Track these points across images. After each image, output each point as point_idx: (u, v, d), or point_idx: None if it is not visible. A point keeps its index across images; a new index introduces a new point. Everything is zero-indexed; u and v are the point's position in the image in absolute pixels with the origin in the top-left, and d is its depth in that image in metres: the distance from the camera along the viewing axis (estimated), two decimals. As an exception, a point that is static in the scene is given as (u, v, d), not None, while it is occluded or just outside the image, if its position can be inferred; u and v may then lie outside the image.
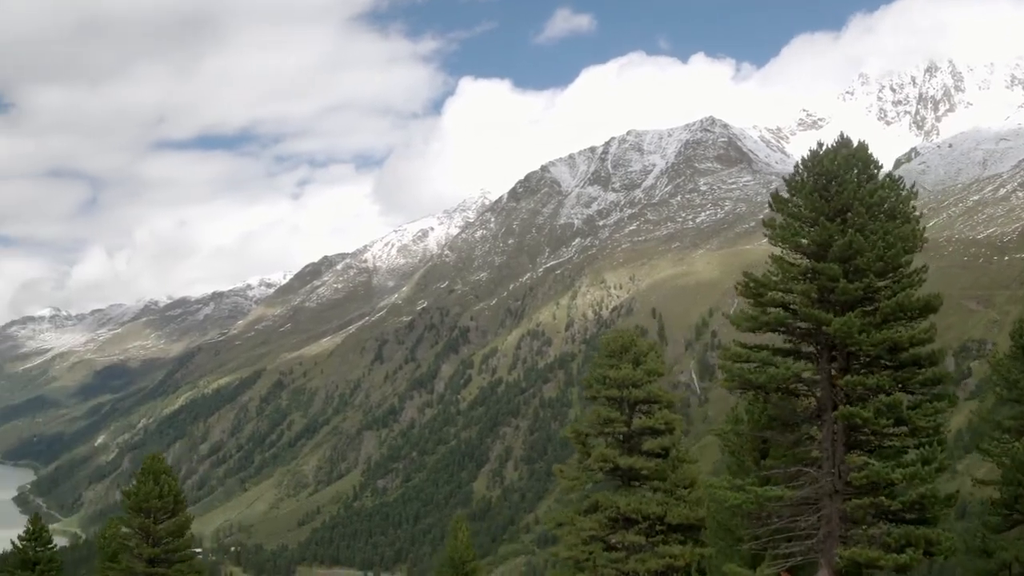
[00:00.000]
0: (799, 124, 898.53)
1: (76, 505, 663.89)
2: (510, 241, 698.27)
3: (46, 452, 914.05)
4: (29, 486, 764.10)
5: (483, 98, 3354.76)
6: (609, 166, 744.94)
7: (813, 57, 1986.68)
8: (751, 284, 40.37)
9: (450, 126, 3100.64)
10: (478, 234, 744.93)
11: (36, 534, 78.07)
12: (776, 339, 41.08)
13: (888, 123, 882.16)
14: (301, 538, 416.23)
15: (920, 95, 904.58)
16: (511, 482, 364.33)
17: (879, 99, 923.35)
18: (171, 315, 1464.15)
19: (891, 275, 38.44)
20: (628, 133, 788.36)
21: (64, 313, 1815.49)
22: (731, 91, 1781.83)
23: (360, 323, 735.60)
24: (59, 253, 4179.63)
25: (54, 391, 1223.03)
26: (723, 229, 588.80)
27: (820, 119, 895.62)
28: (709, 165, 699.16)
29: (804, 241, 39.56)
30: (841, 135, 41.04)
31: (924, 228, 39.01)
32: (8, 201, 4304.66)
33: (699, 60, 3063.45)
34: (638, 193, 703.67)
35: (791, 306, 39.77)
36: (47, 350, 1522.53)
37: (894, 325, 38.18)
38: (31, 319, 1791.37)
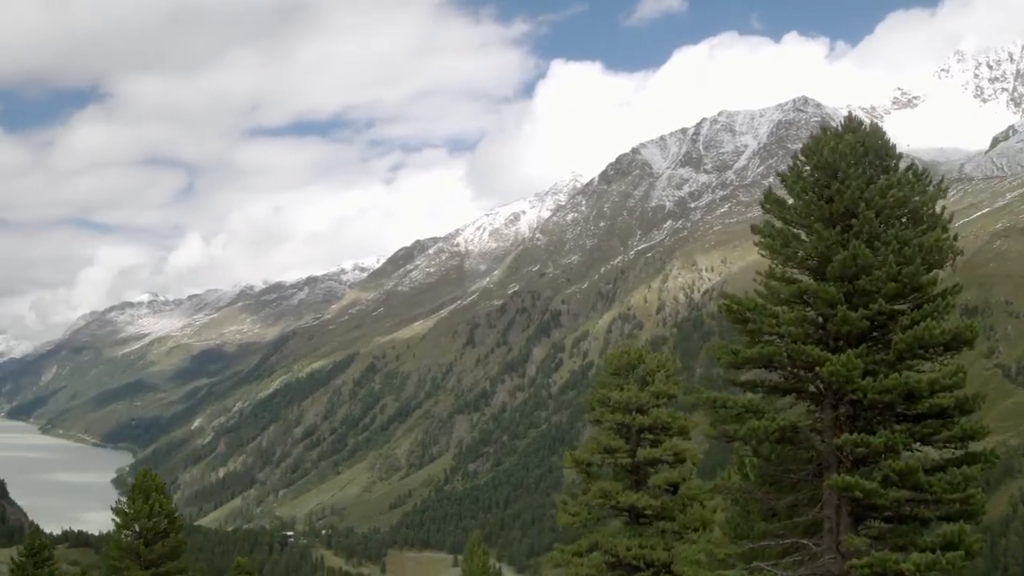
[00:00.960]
0: (894, 103, 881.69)
1: (172, 487, 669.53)
2: (601, 224, 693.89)
3: (144, 435, 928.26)
4: (127, 468, 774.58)
5: (574, 81, 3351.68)
6: (701, 147, 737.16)
7: (908, 34, 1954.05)
8: (734, 307, 31.82)
9: (542, 109, 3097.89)
10: (569, 217, 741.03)
11: (35, 551, 77.06)
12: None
13: (985, 100, 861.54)
14: (392, 521, 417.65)
15: (1018, 71, 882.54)
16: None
17: (975, 76, 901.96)
18: (266, 300, 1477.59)
19: (909, 299, 30.10)
20: (720, 114, 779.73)
21: (162, 298, 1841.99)
22: (824, 70, 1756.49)
23: (452, 307, 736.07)
24: (157, 239, 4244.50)
25: (152, 375, 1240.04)
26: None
27: (915, 97, 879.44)
28: (803, 145, 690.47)
29: (800, 253, 31.48)
30: (849, 115, 33.55)
31: (956, 237, 30.70)
32: (107, 189, 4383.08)
33: (792, 39, 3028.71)
34: (730, 174, 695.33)
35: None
36: (145, 335, 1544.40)
37: (912, 365, 29.72)
38: (129, 305, 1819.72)
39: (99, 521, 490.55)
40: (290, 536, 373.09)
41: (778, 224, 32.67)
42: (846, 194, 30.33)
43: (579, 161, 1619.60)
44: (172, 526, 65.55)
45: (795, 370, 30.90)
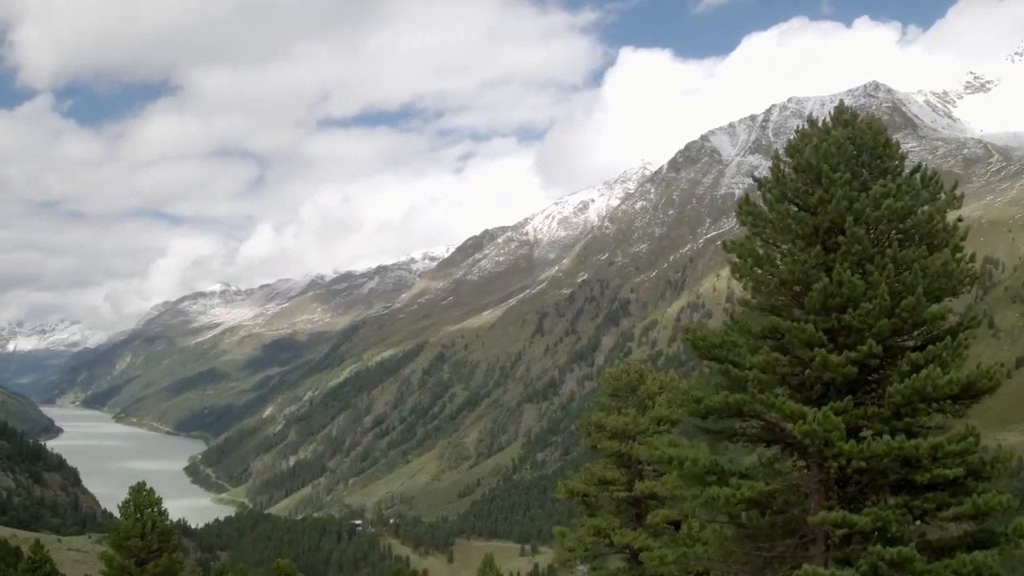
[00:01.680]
0: (966, 87, 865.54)
1: (244, 475, 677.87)
2: (670, 212, 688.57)
3: (216, 423, 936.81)
4: (200, 456, 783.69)
5: (643, 68, 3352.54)
6: (770, 134, 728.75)
7: (979, 18, 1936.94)
8: (699, 343, 26.25)
9: (610, 97, 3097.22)
10: (638, 205, 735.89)
11: (37, 564, 72.52)
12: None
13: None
14: (461, 510, 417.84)
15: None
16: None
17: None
18: (337, 289, 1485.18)
19: (909, 338, 24.79)
20: (789, 100, 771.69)
21: (233, 288, 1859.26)
22: (896, 55, 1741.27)
23: (521, 296, 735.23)
24: (228, 230, 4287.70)
25: (224, 364, 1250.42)
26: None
27: (988, 82, 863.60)
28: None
29: (774, 279, 25.64)
30: (841, 103, 28.49)
31: (971, 257, 25.45)
32: (179, 181, 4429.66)
33: (863, 24, 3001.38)
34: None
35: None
36: (217, 324, 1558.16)
37: (913, 422, 23.79)
38: (202, 295, 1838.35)
39: (171, 508, 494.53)
40: (358, 525, 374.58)
41: (754, 240, 27.11)
42: (830, 205, 24.95)
43: (648, 149, 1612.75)
44: (166, 544, 62.12)
45: (771, 423, 24.98)
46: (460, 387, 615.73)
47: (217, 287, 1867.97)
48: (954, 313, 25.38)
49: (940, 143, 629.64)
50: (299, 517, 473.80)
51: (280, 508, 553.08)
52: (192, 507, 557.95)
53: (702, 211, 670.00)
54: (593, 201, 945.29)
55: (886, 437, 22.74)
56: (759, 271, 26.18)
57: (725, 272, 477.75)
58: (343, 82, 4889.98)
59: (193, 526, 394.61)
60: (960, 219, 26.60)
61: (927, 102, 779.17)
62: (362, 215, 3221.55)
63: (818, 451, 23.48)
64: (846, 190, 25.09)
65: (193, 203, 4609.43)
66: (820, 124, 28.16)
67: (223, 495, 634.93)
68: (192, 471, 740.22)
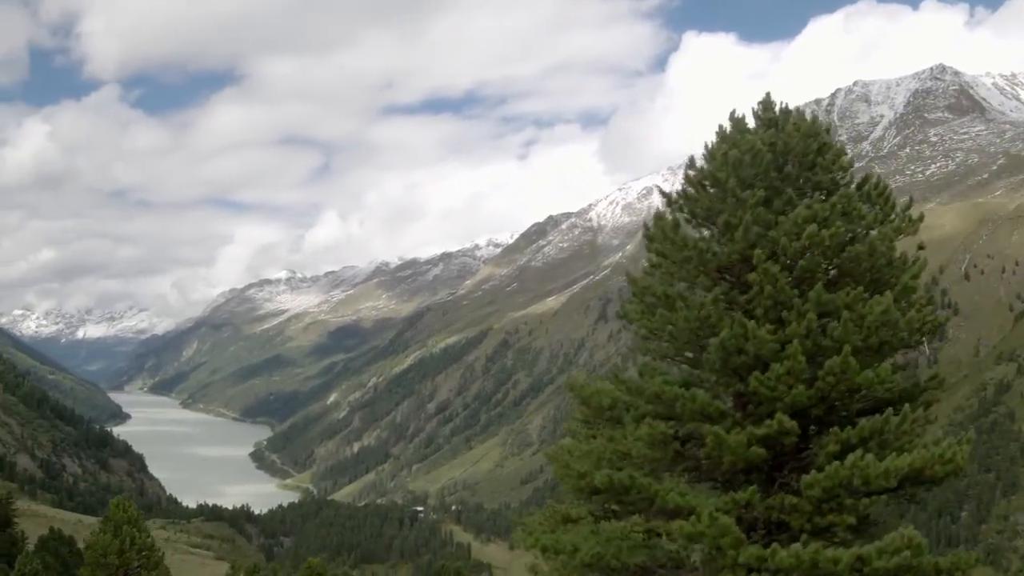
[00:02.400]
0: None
1: (308, 461, 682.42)
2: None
3: (282, 409, 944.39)
4: (265, 442, 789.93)
5: (707, 53, 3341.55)
6: (835, 118, 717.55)
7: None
8: (589, 400, 22.23)
9: (675, 82, 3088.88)
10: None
11: None
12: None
13: None
14: (523, 497, 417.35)
15: None
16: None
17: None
18: (401, 276, 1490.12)
19: (843, 408, 19.58)
20: (855, 84, 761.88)
21: (299, 275, 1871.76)
22: (963, 38, 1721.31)
23: (585, 282, 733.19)
24: (294, 217, 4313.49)
25: (290, 351, 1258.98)
26: (955, 181, 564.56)
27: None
28: (940, 115, 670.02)
29: (669, 327, 20.23)
30: (766, 99, 22.89)
31: (931, 307, 20.81)
32: (245, 169, 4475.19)
33: (930, 6, 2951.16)
34: (865, 146, 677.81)
35: None
36: (283, 311, 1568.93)
37: (835, 522, 17.98)
38: (268, 282, 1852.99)
39: (236, 494, 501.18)
40: (420, 511, 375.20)
41: (652, 273, 21.99)
42: (738, 232, 19.70)
43: (712, 134, 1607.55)
44: (148, 561, 58.24)
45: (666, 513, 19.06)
46: (523, 373, 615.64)
47: (283, 274, 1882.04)
48: (921, 368, 21.14)
49: (1008, 127, 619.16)
50: (362, 503, 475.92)
51: (344, 494, 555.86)
52: (257, 492, 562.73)
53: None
54: (658, 187, 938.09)
55: (795, 546, 16.91)
56: (652, 319, 20.74)
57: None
58: (407, 69, 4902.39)
59: (257, 512, 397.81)
60: (921, 247, 22.10)
61: (995, 84, 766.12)
62: (426, 202, 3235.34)
63: (707, 560, 17.82)
64: (758, 213, 19.71)
65: (259, 191, 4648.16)
66: (742, 125, 23.38)
67: (288, 481, 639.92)
68: (257, 457, 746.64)
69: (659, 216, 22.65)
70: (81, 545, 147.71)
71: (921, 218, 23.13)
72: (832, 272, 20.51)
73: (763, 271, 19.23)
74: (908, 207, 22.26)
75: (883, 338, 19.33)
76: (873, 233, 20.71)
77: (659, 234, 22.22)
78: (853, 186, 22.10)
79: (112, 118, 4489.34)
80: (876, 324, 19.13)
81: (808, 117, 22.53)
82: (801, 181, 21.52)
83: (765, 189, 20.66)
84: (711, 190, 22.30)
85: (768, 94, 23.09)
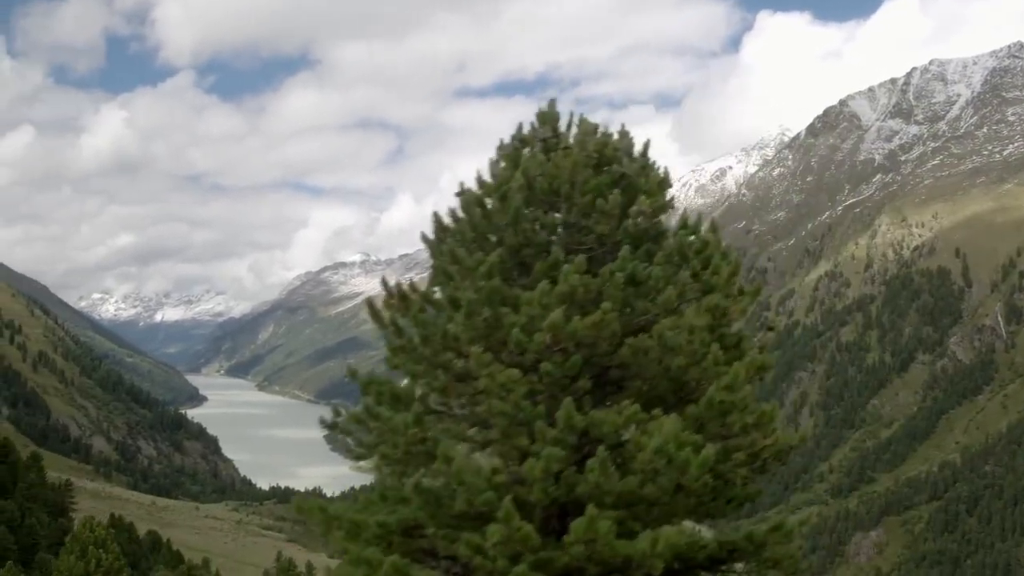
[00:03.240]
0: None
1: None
2: (808, 179, 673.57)
3: (356, 392, 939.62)
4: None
5: (782, 32, 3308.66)
6: (911, 98, 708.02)
7: None
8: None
9: (748, 62, 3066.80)
10: (776, 172, 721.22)
11: None
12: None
13: None
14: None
15: None
16: (805, 428, 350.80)
17: None
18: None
19: None
20: (931, 63, 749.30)
21: (374, 258, 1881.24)
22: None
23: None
24: (369, 200, 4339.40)
25: (364, 333, 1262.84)
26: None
27: None
28: (1017, 94, 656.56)
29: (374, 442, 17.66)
30: (551, 103, 17.77)
31: (772, 427, 16.10)
32: (319, 153, 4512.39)
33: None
34: (941, 126, 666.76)
35: None
36: (358, 294, 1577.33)
37: None
38: (343, 265, 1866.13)
39: (310, 476, 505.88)
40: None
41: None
42: (458, 314, 16.31)
43: (787, 114, 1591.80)
44: None
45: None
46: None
47: (358, 257, 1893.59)
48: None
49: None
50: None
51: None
52: (330, 474, 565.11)
53: (841, 177, 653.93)
54: (731, 168, 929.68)
55: None
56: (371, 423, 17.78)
57: (864, 240, 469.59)
58: (479, 52, 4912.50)
59: (329, 494, 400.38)
60: (771, 327, 18.61)
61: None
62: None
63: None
64: (492, 286, 15.86)
65: (334, 175, 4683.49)
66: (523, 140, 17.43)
67: (362, 463, 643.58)
68: (331, 439, 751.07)
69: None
70: (143, 533, 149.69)
71: (757, 291, 18.15)
72: (610, 372, 15.86)
73: (488, 377, 14.94)
74: (736, 270, 16.77)
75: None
76: (666, 321, 15.34)
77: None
78: (669, 239, 17.07)
79: (187, 104, 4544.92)
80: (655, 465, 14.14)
81: (599, 134, 17.49)
82: (577, 233, 16.43)
83: (514, 248, 16.29)
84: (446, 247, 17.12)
85: (552, 101, 17.77)
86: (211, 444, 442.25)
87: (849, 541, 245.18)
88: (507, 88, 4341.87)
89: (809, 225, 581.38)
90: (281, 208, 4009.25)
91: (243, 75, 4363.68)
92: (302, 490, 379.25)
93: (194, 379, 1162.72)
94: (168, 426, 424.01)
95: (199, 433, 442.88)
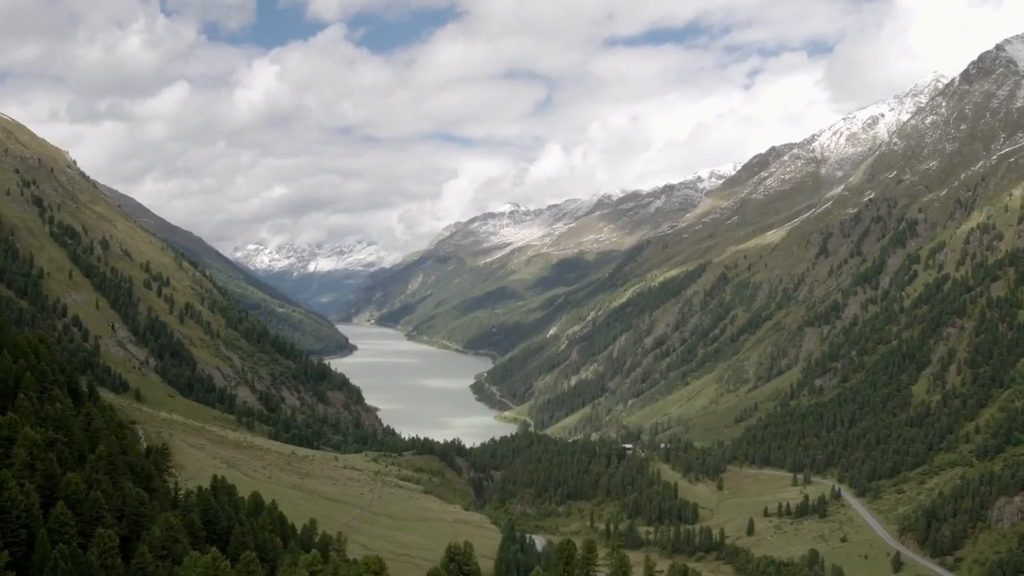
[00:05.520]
0: None
1: (527, 393, 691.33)
2: (962, 127, 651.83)
3: (503, 342, 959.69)
4: (485, 375, 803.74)
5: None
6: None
7: None
8: None
9: (904, 6, 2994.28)
10: (928, 120, 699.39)
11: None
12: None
13: None
14: (735, 435, 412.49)
15: None
16: (952, 387, 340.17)
17: None
18: (623, 208, 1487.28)
19: None
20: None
21: (522, 209, 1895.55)
22: None
23: (806, 215, 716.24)
24: (518, 151, 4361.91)
25: (512, 284, 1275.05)
26: None
27: None
28: None
29: None
30: None
31: None
32: (469, 104, 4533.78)
33: None
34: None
35: None
36: (506, 244, 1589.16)
37: None
38: (492, 215, 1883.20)
39: (455, 426, 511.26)
40: (629, 449, 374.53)
41: None
42: None
43: (941, 60, 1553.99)
44: None
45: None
46: (741, 309, 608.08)
47: (506, 207, 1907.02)
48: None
49: None
50: (577, 437, 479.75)
51: (560, 427, 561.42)
52: (475, 424, 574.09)
53: (996, 126, 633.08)
54: (883, 116, 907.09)
55: None
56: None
57: (1019, 191, 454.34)
58: (628, 0, 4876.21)
59: (471, 444, 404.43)
60: None
61: None
62: (649, 134, 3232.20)
63: None
64: None
65: (483, 125, 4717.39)
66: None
67: (506, 413, 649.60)
68: (477, 389, 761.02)
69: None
70: (285, 484, 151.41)
71: None
72: None
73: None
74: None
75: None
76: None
77: None
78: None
79: (337, 57, 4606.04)
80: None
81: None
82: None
83: None
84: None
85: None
86: (354, 394, 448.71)
87: (992, 506, 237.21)
88: (656, 36, 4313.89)
89: (962, 175, 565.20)
90: (431, 159, 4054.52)
91: (392, 27, 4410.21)
92: (442, 441, 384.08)
93: (345, 328, 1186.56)
94: (312, 376, 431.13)
95: (342, 383, 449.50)
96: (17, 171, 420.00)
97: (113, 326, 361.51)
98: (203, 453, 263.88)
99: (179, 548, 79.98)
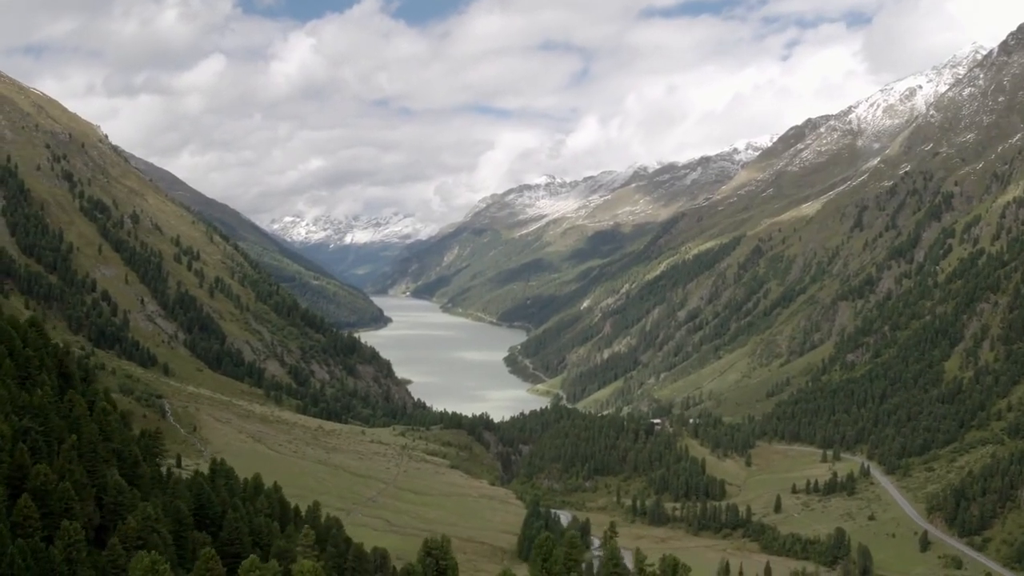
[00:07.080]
0: None
1: (560, 366, 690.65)
2: (1000, 99, 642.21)
3: (538, 314, 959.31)
4: (519, 347, 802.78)
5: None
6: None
7: None
8: None
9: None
10: (966, 92, 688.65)
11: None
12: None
13: None
14: (767, 410, 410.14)
15: None
16: (985, 363, 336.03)
17: None
18: (659, 180, 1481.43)
19: None
20: None
21: (558, 181, 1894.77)
22: None
23: (841, 188, 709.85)
24: (554, 123, 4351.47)
25: (548, 255, 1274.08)
26: None
27: None
28: None
29: None
30: None
31: None
32: (505, 76, 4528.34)
33: None
34: None
35: None
36: (542, 216, 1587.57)
37: None
38: (528, 187, 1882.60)
39: (488, 399, 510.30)
40: (657, 424, 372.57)
41: None
42: None
43: (980, 31, 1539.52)
44: None
45: None
46: (775, 282, 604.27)
47: (542, 179, 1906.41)
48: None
49: None
50: (608, 411, 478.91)
51: (591, 401, 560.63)
52: (508, 397, 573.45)
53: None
54: (920, 88, 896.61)
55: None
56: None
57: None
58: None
59: (501, 418, 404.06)
60: None
61: None
62: (686, 105, 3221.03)
63: None
64: None
65: (519, 97, 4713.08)
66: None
67: (539, 386, 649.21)
68: (511, 361, 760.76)
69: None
70: (311, 461, 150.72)
71: None
72: None
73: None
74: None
75: None
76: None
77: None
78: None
79: (373, 29, 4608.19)
80: None
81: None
82: None
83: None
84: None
85: None
86: (384, 367, 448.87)
87: (1022, 486, 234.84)
88: (693, 7, 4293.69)
89: (999, 148, 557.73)
90: (467, 131, 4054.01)
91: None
92: (473, 415, 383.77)
93: (380, 300, 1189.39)
94: (342, 350, 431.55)
95: (372, 356, 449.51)
96: (48, 146, 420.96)
97: (142, 300, 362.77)
98: (229, 428, 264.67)
99: (156, 539, 78.85)
